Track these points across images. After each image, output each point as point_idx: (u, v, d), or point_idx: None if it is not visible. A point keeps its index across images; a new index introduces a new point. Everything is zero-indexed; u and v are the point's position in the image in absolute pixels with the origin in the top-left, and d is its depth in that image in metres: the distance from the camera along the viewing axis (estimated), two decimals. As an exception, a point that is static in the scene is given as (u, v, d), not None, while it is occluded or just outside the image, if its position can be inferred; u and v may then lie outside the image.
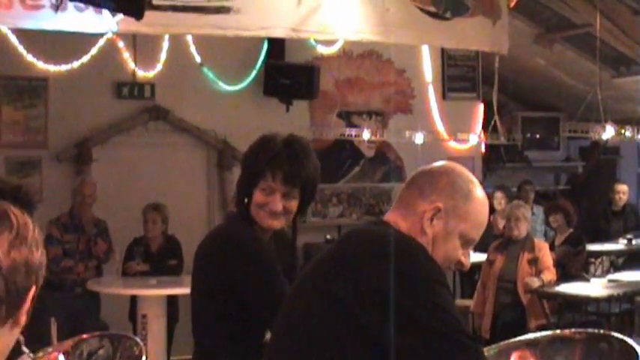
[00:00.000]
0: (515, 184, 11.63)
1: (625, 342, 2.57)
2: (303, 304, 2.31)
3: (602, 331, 2.85)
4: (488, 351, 2.83)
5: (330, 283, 2.23)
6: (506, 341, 3.05)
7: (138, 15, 6.19)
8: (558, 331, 2.96)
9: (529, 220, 8.16)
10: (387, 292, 2.10)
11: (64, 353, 3.65)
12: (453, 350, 2.14)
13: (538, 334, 2.95)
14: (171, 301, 7.95)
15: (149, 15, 6.37)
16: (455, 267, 2.45)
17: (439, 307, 2.15)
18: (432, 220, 2.32)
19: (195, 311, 3.26)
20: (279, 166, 3.10)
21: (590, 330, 2.89)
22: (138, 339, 5.64)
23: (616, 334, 2.70)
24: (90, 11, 6.81)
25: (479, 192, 2.39)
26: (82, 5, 6.70)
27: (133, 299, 8.06)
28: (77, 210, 8.21)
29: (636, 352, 2.44)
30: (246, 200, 3.19)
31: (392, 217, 2.40)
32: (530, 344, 2.82)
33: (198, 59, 9.71)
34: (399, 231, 2.32)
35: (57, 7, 6.54)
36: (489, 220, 9.22)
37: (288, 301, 2.43)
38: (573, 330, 2.93)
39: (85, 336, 5.75)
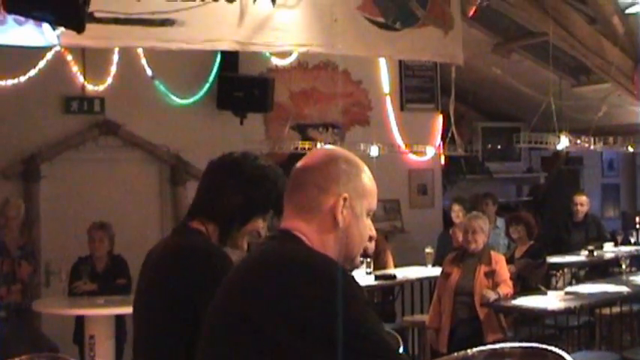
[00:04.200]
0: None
1: (560, 356, 2.50)
2: (224, 330, 2.20)
3: (537, 346, 2.78)
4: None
5: (252, 312, 2.12)
6: (441, 358, 2.99)
7: (79, 28, 5.97)
8: (495, 346, 2.84)
9: (486, 232, 7.94)
10: (315, 319, 2.06)
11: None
12: None
13: (475, 350, 2.88)
14: (119, 321, 7.71)
15: (91, 28, 6.16)
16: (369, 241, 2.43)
17: (368, 330, 2.10)
18: (342, 211, 2.31)
19: (153, 332, 2.96)
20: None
21: (525, 344, 2.83)
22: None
23: (552, 348, 2.68)
24: (30, 24, 6.63)
25: (359, 162, 2.41)
26: (21, 18, 6.52)
27: (79, 320, 7.81)
28: (1, 232, 7.99)
29: (571, 367, 2.41)
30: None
31: (293, 224, 2.33)
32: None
33: (149, 72, 9.51)
34: (311, 248, 2.27)
35: (-5, 20, 6.37)
36: (449, 233, 9.04)
37: (209, 323, 2.29)
38: (510, 345, 2.88)
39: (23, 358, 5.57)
